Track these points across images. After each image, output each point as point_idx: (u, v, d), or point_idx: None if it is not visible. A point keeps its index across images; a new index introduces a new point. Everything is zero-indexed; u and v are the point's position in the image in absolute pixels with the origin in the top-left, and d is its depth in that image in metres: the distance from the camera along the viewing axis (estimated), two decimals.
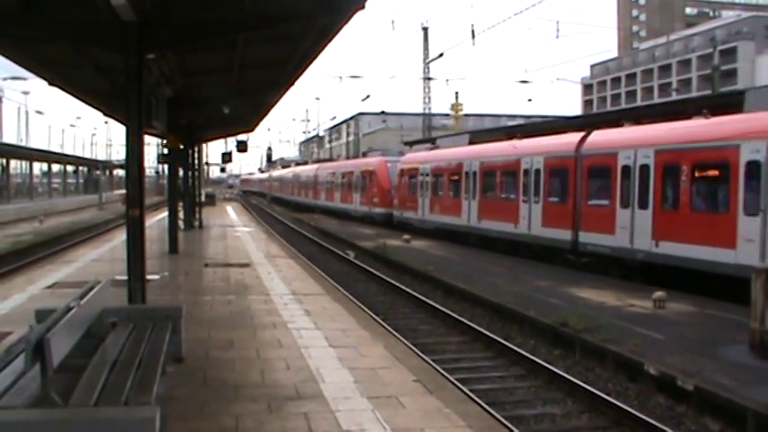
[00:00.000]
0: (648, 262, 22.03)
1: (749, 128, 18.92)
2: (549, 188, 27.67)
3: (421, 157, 42.84)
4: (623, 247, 22.92)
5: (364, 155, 67.21)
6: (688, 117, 22.16)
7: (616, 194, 23.45)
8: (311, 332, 13.21)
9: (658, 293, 17.98)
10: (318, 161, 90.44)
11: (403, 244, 35.01)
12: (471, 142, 38.16)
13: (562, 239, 26.29)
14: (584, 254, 25.25)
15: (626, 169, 23.02)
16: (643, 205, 22.19)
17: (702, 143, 20.27)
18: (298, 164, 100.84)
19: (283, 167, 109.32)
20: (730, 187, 19.01)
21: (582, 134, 26.38)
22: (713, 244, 19.23)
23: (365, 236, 40.71)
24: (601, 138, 25.29)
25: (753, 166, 18.31)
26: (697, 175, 20.42)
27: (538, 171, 28.26)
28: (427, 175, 40.18)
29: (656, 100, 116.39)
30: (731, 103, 21.33)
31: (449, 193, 37.18)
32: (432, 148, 44.46)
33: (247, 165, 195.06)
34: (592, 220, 24.73)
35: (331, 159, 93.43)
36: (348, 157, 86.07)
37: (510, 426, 10.31)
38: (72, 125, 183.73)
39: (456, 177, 36.19)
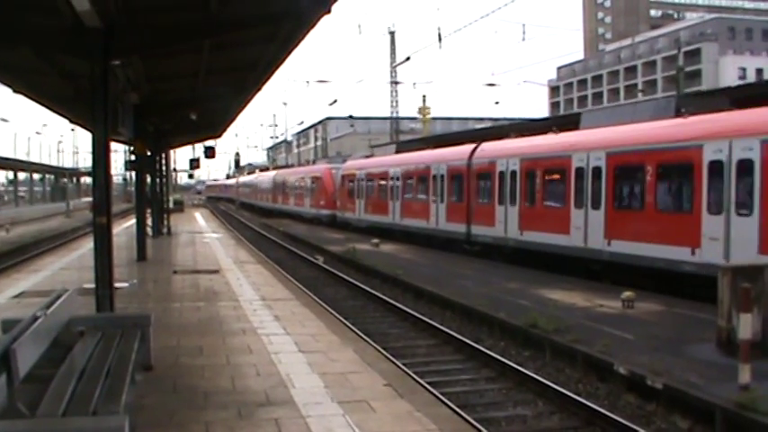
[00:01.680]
0: (517, 248, 27.53)
1: (576, 142, 24.57)
2: (450, 190, 33.51)
3: (358, 165, 49.00)
4: (500, 236, 28.66)
5: (314, 162, 74.60)
6: (546, 132, 27.66)
7: (495, 195, 29.17)
8: (281, 338, 13.18)
9: (627, 293, 18.09)
10: (277, 168, 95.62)
11: (372, 248, 35.02)
12: (398, 151, 44.60)
13: (460, 232, 32.10)
14: (475, 243, 31.07)
15: (501, 174, 28.69)
16: (513, 203, 27.81)
17: (549, 153, 25.97)
18: (261, 170, 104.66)
19: (249, 173, 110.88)
20: (566, 187, 24.44)
21: (474, 145, 32.05)
22: (556, 231, 24.75)
23: (334, 240, 40.75)
24: (486, 149, 31.02)
25: (580, 171, 23.74)
26: (547, 178, 26.05)
27: (443, 176, 34.15)
28: (362, 180, 46.09)
29: (623, 101, 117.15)
30: (573, 122, 26.90)
31: (379, 195, 43.14)
32: (367, 157, 50.84)
33: (216, 171, 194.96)
34: (479, 216, 30.57)
35: (288, 166, 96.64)
36: (314, 163, 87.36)
37: (481, 428, 10.33)
38: (38, 133, 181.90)
39: (384, 182, 42.13)
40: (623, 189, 22.37)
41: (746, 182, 17.76)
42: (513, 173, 27.77)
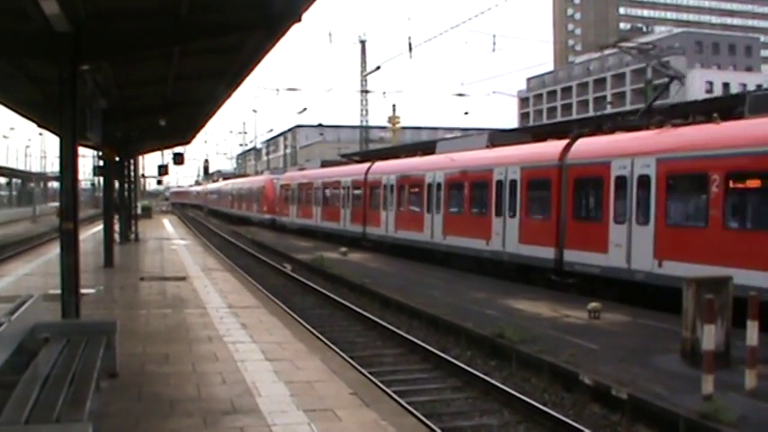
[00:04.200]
0: (394, 243, 35.72)
1: (428, 164, 32.94)
2: (353, 199, 42.25)
3: (293, 176, 58.43)
4: (383, 234, 37.13)
5: (261, 173, 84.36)
6: (415, 155, 36.33)
7: (380, 203, 37.57)
8: (247, 346, 13.15)
9: (593, 304, 18.18)
10: (236, 176, 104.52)
11: (340, 257, 35.04)
12: (323, 165, 52.72)
13: (359, 232, 40.55)
14: (368, 240, 39.34)
15: (385, 187, 37.02)
16: (391, 209, 36.03)
17: (412, 172, 34.24)
18: (225, 178, 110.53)
19: (213, 181, 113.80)
20: (422, 197, 32.58)
21: (370, 164, 40.98)
22: (416, 230, 32.88)
23: (302, 248, 40.79)
24: (377, 167, 39.54)
25: (430, 186, 31.75)
26: (411, 190, 34.15)
27: (348, 188, 42.89)
28: (295, 189, 54.74)
29: (591, 113, 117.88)
30: (431, 147, 35.13)
31: (307, 202, 51.62)
32: (301, 169, 61.24)
33: (184, 177, 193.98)
34: (371, 219, 39.19)
35: (244, 175, 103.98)
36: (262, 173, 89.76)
37: None
38: (5, 136, 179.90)
39: (310, 191, 50.77)
40: (453, 198, 30.04)
41: (514, 195, 25.36)
42: (392, 186, 36.13)
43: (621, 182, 20.55)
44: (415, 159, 35.48)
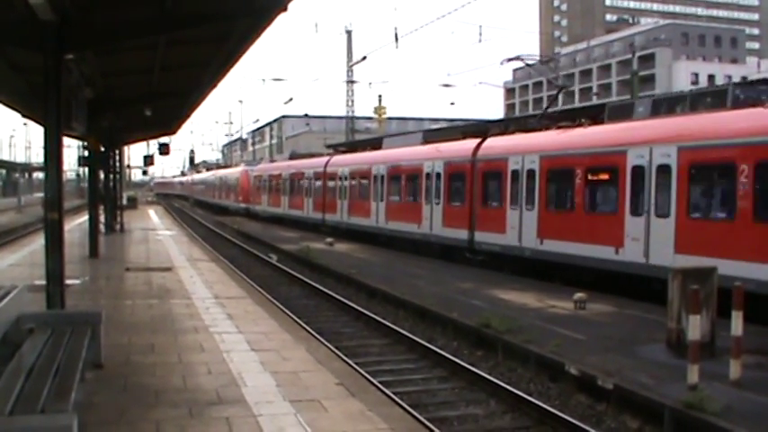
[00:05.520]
0: (348, 228, 40.20)
1: (375, 158, 37.46)
2: (315, 189, 46.83)
3: (265, 168, 64.75)
4: (339, 221, 41.63)
5: (240, 164, 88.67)
6: (356, 151, 44.46)
7: (337, 193, 41.96)
8: (233, 336, 13.13)
9: (579, 294, 18.23)
10: (219, 167, 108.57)
11: (326, 247, 35.04)
12: (291, 158, 59.78)
13: (319, 218, 45.14)
14: (327, 226, 43.22)
15: (341, 178, 41.18)
16: (345, 198, 40.41)
17: (362, 165, 38.60)
18: (208, 169, 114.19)
19: (197, 172, 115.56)
20: (369, 188, 36.93)
21: (328, 157, 46.56)
22: (365, 216, 37.29)
23: (288, 239, 40.75)
24: (334, 160, 44.78)
25: (375, 177, 36.02)
26: (362, 181, 38.13)
27: (310, 178, 47.87)
28: (266, 180, 60.11)
29: (577, 104, 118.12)
30: (379, 143, 40.38)
31: (276, 192, 56.71)
32: (272, 161, 69.86)
33: (170, 168, 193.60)
34: (329, 207, 43.36)
35: (227, 166, 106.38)
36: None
37: (432, 427, 10.36)
38: None
39: (279, 182, 55.93)
40: (393, 189, 34.36)
41: (438, 184, 29.79)
42: (346, 177, 40.67)
43: (515, 174, 24.72)
44: (365, 154, 40.85)
